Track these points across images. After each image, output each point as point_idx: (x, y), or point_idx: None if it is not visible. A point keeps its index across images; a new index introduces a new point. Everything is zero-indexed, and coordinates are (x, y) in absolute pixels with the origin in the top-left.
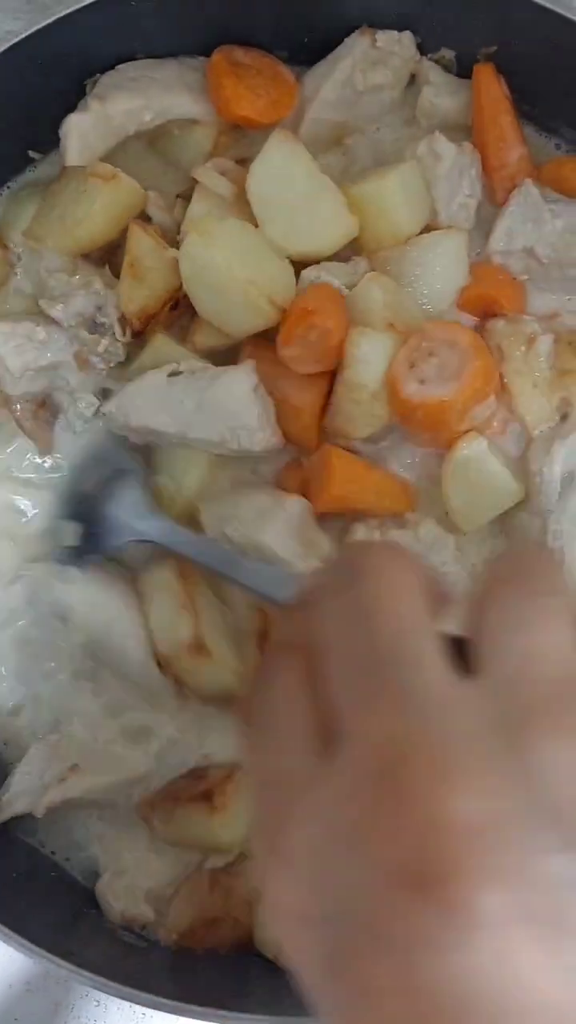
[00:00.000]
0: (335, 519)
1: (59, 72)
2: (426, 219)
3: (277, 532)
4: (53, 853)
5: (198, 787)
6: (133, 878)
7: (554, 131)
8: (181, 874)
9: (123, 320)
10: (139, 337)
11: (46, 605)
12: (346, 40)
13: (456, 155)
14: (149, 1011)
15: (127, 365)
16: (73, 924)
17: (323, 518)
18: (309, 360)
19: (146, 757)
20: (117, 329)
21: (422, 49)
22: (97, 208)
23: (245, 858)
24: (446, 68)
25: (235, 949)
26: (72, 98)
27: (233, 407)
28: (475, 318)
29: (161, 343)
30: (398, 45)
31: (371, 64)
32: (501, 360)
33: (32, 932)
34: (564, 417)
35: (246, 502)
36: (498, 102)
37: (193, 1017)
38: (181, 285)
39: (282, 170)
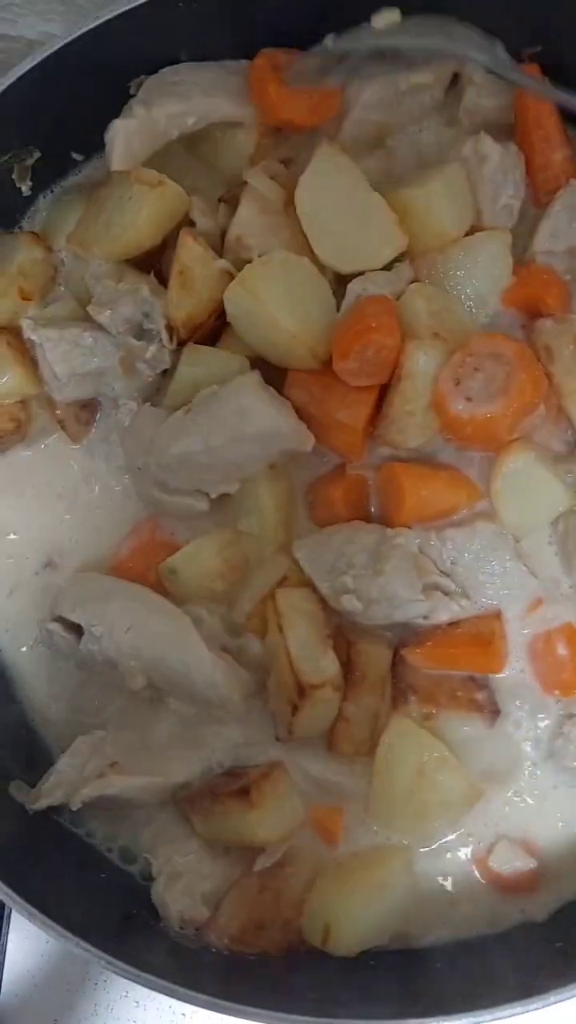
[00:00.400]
0: None
1: (102, 75)
2: (471, 221)
3: (399, 572)
4: (109, 851)
5: (236, 784)
6: (189, 881)
7: None
8: (235, 875)
9: (170, 328)
10: (183, 345)
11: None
12: None
13: (502, 156)
14: (188, 1011)
15: (171, 373)
16: (126, 926)
17: None
18: (364, 374)
19: (193, 764)
20: (164, 336)
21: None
22: (144, 215)
23: (293, 859)
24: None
25: (286, 952)
26: (115, 101)
27: (242, 422)
28: (521, 318)
29: (192, 350)
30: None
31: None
32: (550, 360)
33: (89, 932)
34: None
35: (348, 545)
36: (543, 103)
37: (247, 1018)
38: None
39: (331, 186)
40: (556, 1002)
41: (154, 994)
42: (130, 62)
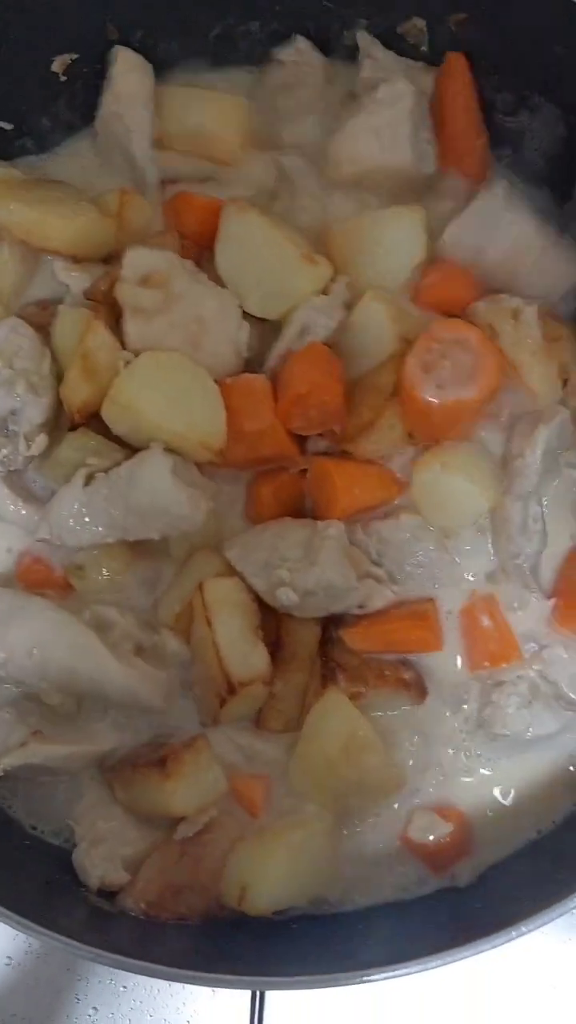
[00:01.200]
0: None
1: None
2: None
3: (333, 562)
4: (26, 820)
5: (156, 754)
6: (111, 846)
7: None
8: (157, 841)
9: (36, 432)
10: (75, 430)
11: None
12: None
13: (416, 97)
14: (129, 984)
15: (46, 456)
16: (47, 891)
17: None
18: (314, 426)
19: (116, 733)
20: (23, 445)
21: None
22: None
23: (214, 827)
24: (417, 38)
25: (203, 918)
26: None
27: (161, 503)
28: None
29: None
30: (301, 56)
31: (283, 86)
32: (494, 337)
33: (8, 899)
34: (565, 383)
35: (280, 540)
36: (468, 90)
37: (162, 978)
38: None
39: (241, 243)
40: (473, 955)
41: (95, 968)
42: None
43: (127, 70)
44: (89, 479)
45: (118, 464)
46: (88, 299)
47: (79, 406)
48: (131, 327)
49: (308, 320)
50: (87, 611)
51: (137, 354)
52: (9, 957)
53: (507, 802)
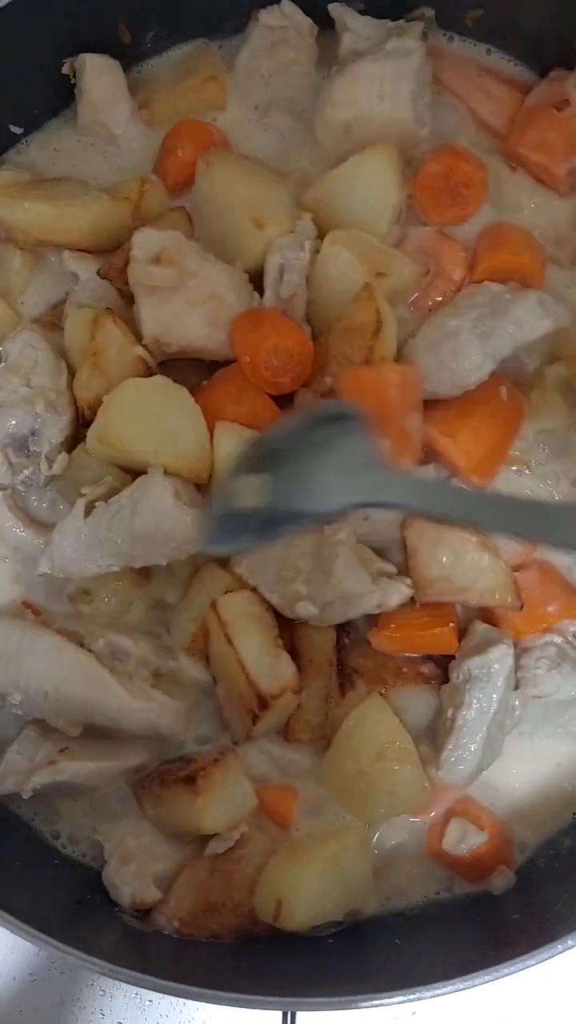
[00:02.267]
0: None
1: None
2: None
3: (347, 570)
4: (56, 838)
5: (185, 770)
6: (141, 863)
7: None
8: (188, 857)
9: (56, 451)
10: (87, 426)
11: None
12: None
13: (424, 55)
14: (155, 998)
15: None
16: (79, 911)
17: None
18: (286, 377)
19: (145, 748)
20: (44, 465)
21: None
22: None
23: (246, 842)
24: (426, 27)
25: (236, 936)
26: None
27: (166, 528)
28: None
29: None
30: (287, 18)
31: (269, 47)
32: None
33: (39, 920)
34: None
35: (289, 550)
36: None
37: (197, 1000)
38: None
39: (207, 199)
40: (515, 972)
41: (119, 983)
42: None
43: (98, 75)
44: (89, 508)
45: (117, 491)
46: (104, 277)
47: (90, 402)
48: (146, 309)
49: (281, 260)
50: (101, 640)
51: (157, 341)
52: (32, 973)
53: (538, 788)
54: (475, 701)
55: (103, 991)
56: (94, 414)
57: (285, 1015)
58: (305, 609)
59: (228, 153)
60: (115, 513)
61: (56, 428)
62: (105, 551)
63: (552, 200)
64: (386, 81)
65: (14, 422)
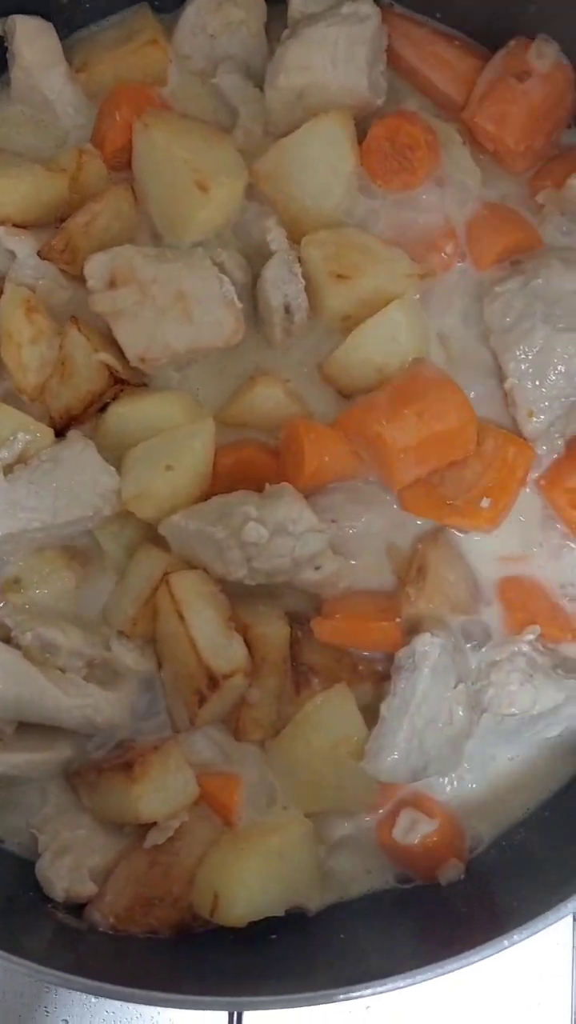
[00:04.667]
0: None
1: None
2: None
3: (294, 511)
4: None
5: (122, 757)
6: (78, 856)
7: None
8: (127, 850)
9: None
10: (60, 435)
11: None
12: None
13: (380, 21)
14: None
15: None
16: (10, 911)
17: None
18: None
19: (81, 738)
20: None
21: None
22: None
23: (185, 833)
24: None
25: (176, 931)
26: None
27: (90, 476)
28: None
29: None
30: None
31: (216, 5)
32: None
33: None
34: None
35: (231, 507)
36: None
37: (131, 1001)
38: (103, 390)
39: (147, 161)
40: (461, 967)
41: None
42: None
43: (30, 39)
44: (7, 470)
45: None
46: (45, 258)
47: (61, 412)
48: (122, 335)
49: (284, 299)
50: (29, 633)
51: (142, 359)
52: None
53: (493, 784)
54: (399, 690)
55: (47, 988)
56: (66, 424)
57: (231, 1014)
58: (246, 568)
59: (166, 112)
60: (35, 468)
61: None
62: (27, 506)
63: (503, 178)
64: (340, 47)
65: None
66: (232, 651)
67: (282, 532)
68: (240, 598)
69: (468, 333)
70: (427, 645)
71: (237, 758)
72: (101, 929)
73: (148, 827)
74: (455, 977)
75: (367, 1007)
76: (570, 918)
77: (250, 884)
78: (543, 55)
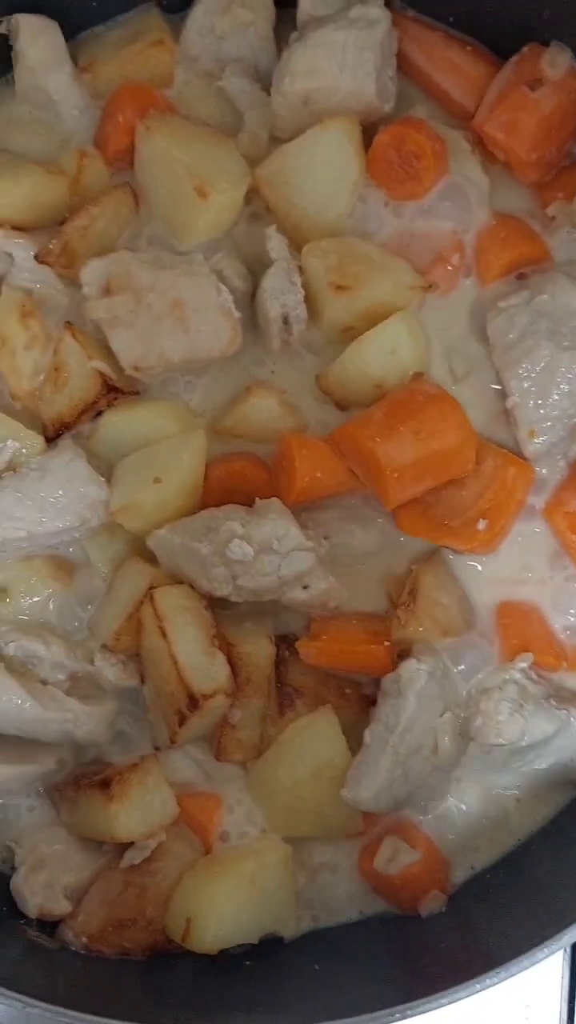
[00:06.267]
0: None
1: None
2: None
3: (280, 529)
4: None
5: (101, 774)
6: (53, 873)
7: None
8: (103, 868)
9: None
10: (51, 443)
11: None
12: None
13: (390, 25)
14: None
15: None
16: None
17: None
18: None
19: (64, 751)
20: None
21: None
22: None
23: (163, 853)
24: None
25: (149, 954)
26: None
27: (79, 486)
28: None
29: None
30: None
31: (225, 6)
32: None
33: None
34: None
35: (218, 522)
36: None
37: None
38: (96, 398)
39: (149, 165)
40: (439, 1007)
41: None
42: None
43: (34, 38)
44: None
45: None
46: (42, 262)
47: (53, 419)
48: (118, 343)
49: (281, 309)
50: (12, 644)
51: (137, 368)
52: None
53: (480, 814)
54: (383, 717)
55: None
56: (56, 432)
57: None
58: (230, 585)
59: (170, 115)
60: (23, 476)
61: None
62: (12, 513)
63: (513, 188)
64: (349, 51)
65: None
66: (214, 670)
67: (267, 550)
68: (228, 615)
69: (471, 348)
70: (413, 671)
71: (218, 778)
72: (73, 948)
73: (126, 845)
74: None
75: None
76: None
77: (222, 910)
78: (556, 63)
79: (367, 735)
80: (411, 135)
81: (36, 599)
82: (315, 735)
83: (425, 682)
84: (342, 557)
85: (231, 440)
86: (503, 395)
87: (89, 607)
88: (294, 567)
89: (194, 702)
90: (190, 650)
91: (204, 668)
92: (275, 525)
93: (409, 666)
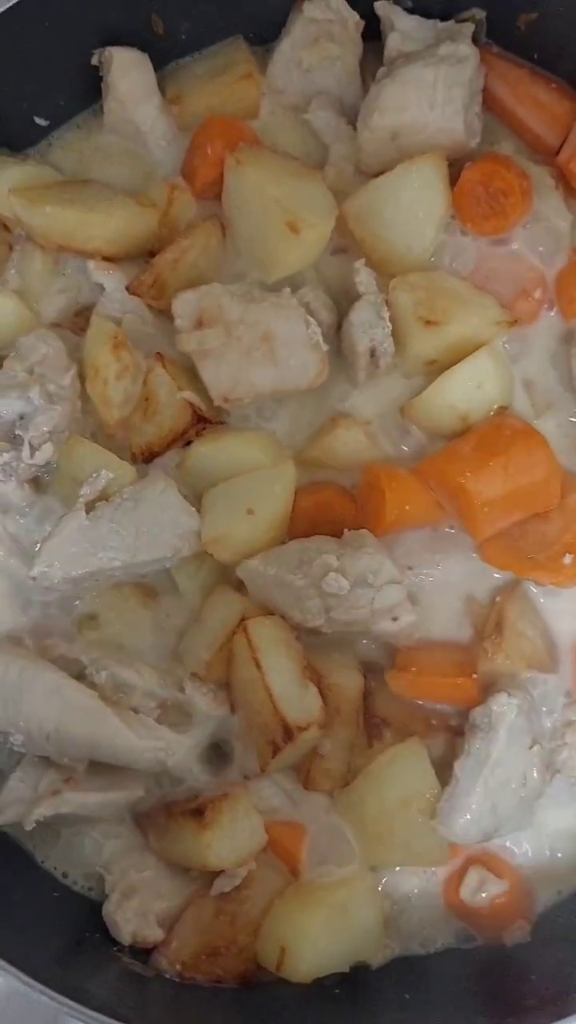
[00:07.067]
0: None
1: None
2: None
3: (375, 562)
4: (56, 869)
5: (193, 802)
6: (144, 900)
7: None
8: (193, 895)
9: (42, 439)
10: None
11: None
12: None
13: (478, 62)
14: None
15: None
16: (77, 952)
17: None
18: None
19: (146, 778)
20: (27, 452)
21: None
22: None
23: (252, 881)
24: (476, 29)
25: (241, 981)
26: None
27: (171, 516)
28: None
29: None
30: (333, 12)
31: (312, 40)
32: None
33: (34, 965)
34: None
35: (311, 554)
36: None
37: None
38: (186, 428)
39: (238, 198)
40: None
41: None
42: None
43: (125, 71)
44: (90, 508)
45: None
46: (133, 294)
47: (142, 447)
48: (208, 375)
49: (370, 343)
50: (104, 672)
51: (226, 400)
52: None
53: (565, 843)
54: (474, 750)
55: None
56: (148, 459)
57: None
58: (322, 616)
59: (259, 149)
60: (117, 506)
61: (47, 416)
62: (108, 545)
63: None
64: (439, 88)
65: (5, 403)
66: (308, 702)
67: (362, 583)
68: (313, 644)
69: (551, 381)
70: (504, 706)
71: (305, 806)
72: (168, 976)
73: (214, 872)
74: None
75: None
76: None
77: (316, 939)
78: None
79: (457, 768)
80: (500, 172)
81: (124, 626)
82: (405, 766)
83: (515, 716)
84: (426, 587)
85: (315, 469)
86: None
87: (176, 633)
88: (387, 600)
89: (289, 734)
90: (284, 681)
91: (298, 700)
92: (371, 559)
93: (500, 700)
